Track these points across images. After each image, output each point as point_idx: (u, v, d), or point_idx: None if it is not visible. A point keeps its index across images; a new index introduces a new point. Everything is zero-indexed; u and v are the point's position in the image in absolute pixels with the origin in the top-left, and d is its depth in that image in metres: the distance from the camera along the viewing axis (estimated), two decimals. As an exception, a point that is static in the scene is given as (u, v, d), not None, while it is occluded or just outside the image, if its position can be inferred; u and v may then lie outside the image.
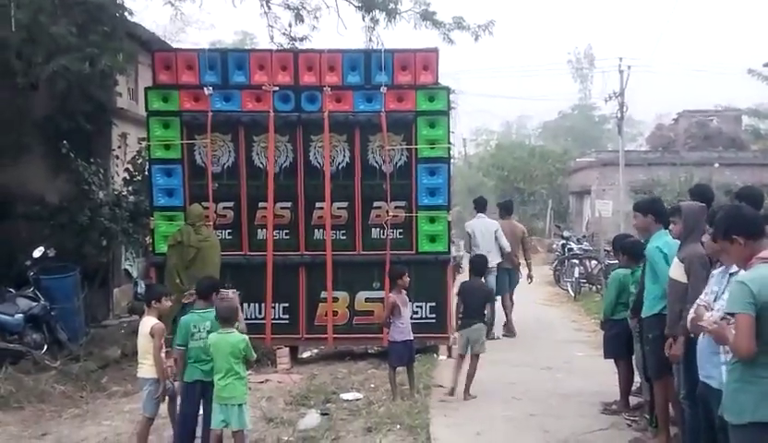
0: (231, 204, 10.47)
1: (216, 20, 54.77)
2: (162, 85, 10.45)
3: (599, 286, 17.11)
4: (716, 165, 28.58)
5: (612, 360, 8.36)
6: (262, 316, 10.28)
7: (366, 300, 10.45)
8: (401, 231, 10.44)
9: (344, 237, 10.47)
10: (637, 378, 8.00)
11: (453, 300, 11.20)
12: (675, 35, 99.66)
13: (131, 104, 15.40)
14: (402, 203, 10.42)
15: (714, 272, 5.02)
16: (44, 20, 9.84)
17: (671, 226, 6.46)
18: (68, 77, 10.28)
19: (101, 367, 10.13)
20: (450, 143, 10.85)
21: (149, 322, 6.81)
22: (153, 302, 6.96)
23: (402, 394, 8.34)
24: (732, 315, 4.28)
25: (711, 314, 4.67)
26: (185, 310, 9.51)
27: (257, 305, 10.27)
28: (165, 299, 7.07)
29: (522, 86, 78.79)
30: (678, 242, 6.15)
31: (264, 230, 10.42)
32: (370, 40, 14.22)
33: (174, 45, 19.90)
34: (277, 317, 10.40)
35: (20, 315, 10.43)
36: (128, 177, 13.68)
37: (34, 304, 10.75)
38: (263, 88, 10.32)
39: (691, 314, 4.93)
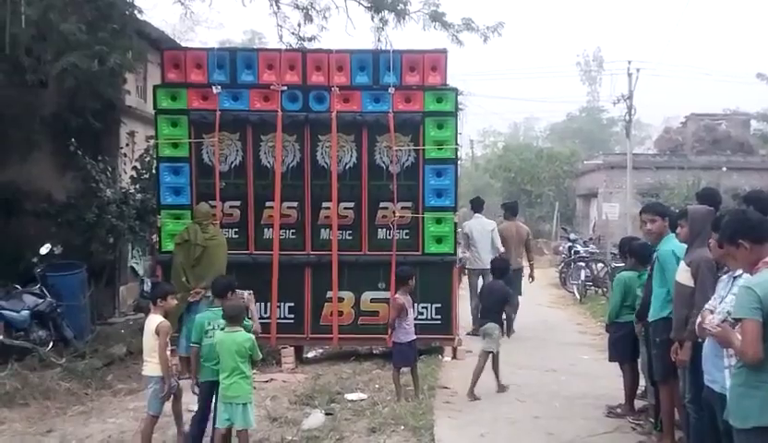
0: (238, 203, 10.49)
1: (225, 19, 54.93)
2: (170, 83, 10.47)
3: (605, 289, 17.09)
4: (724, 169, 28.53)
5: (617, 363, 8.34)
6: (267, 315, 10.28)
7: (372, 300, 10.45)
8: (407, 231, 10.44)
9: (350, 237, 10.47)
10: (642, 382, 7.99)
11: (459, 301, 11.28)
12: (684, 38, 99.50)
13: (140, 102, 15.45)
14: (409, 204, 10.42)
15: (722, 278, 5.00)
16: (54, 17, 9.88)
17: (678, 229, 6.45)
18: (77, 74, 10.30)
19: (106, 365, 10.16)
20: (457, 144, 10.86)
21: (154, 320, 6.82)
22: (159, 300, 6.96)
23: (406, 395, 8.34)
24: (738, 320, 4.27)
25: (712, 317, 4.66)
26: (190, 308, 9.59)
27: (262, 304, 10.26)
28: (171, 297, 7.08)
29: (530, 88, 79.01)
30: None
31: (270, 229, 10.43)
32: (379, 40, 14.23)
33: (183, 44, 19.97)
34: (282, 316, 10.41)
35: (26, 311, 10.47)
36: (136, 175, 13.72)
37: (40, 300, 10.78)
38: (271, 87, 10.34)
39: (699, 319, 4.92)
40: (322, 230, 10.48)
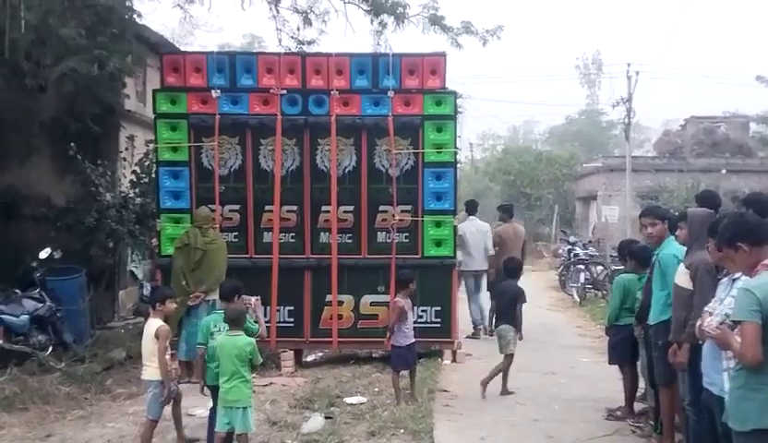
0: (237, 207, 10.49)
1: (224, 23, 54.95)
2: (169, 87, 10.48)
3: (605, 292, 17.07)
4: (724, 172, 28.55)
5: (617, 366, 8.34)
6: (267, 319, 10.23)
7: (371, 304, 10.45)
8: (406, 235, 10.44)
9: (350, 241, 10.47)
10: (641, 384, 7.99)
11: (459, 305, 11.30)
12: (683, 41, 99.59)
13: (139, 107, 15.45)
14: (409, 207, 10.43)
15: (722, 280, 5.00)
16: (54, 22, 9.90)
17: (677, 232, 6.45)
18: (77, 79, 10.32)
19: (105, 369, 10.14)
20: (456, 148, 10.86)
21: (154, 324, 6.82)
22: (158, 304, 6.96)
23: (405, 398, 8.34)
24: (737, 322, 4.28)
25: (711, 319, 4.66)
26: (190, 313, 9.60)
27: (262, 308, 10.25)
28: (170, 301, 7.07)
29: (529, 91, 78.94)
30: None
31: (270, 233, 10.44)
32: (378, 44, 14.24)
33: (183, 48, 19.97)
34: (282, 320, 10.40)
35: (26, 316, 10.45)
36: (135, 179, 13.72)
37: (40, 305, 10.77)
38: (271, 91, 10.34)
39: (698, 321, 4.92)
40: (322, 233, 10.48)
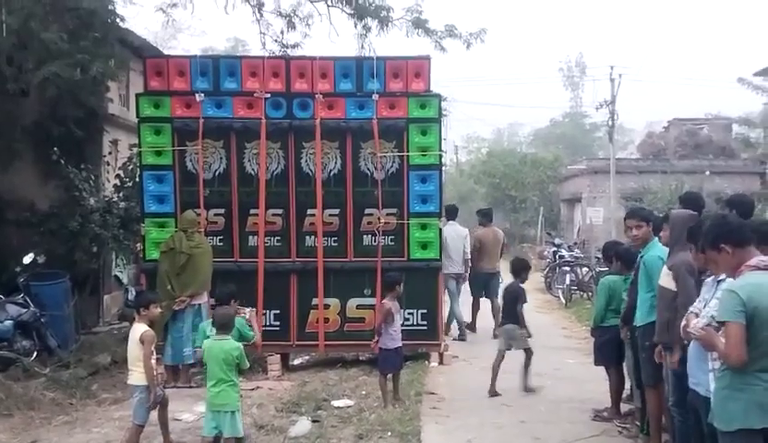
0: (222, 211, 10.46)
1: (208, 27, 54.74)
2: (153, 91, 10.44)
3: (590, 293, 17.15)
4: (707, 173, 28.70)
5: (603, 367, 8.37)
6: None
7: (358, 307, 10.45)
8: (392, 238, 10.44)
9: (336, 244, 10.47)
10: (627, 385, 8.01)
11: (444, 307, 11.33)
12: (666, 44, 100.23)
13: (122, 111, 15.38)
14: (394, 210, 10.43)
15: (706, 281, 5.03)
16: (35, 26, 9.83)
17: (661, 233, 6.49)
18: (59, 83, 10.25)
19: (90, 374, 10.08)
20: (441, 150, 10.87)
21: (139, 329, 6.80)
22: (142, 309, 6.94)
23: (392, 401, 8.33)
24: (722, 323, 4.30)
25: (697, 321, 4.69)
26: (176, 317, 9.57)
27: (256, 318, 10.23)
28: (154, 306, 7.06)
29: (513, 94, 79.24)
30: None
31: (255, 236, 10.41)
32: (362, 47, 14.25)
33: (166, 52, 19.92)
34: (268, 323, 10.37)
35: (10, 321, 10.38)
36: (119, 184, 13.65)
37: (24, 310, 10.70)
38: (255, 94, 10.33)
39: (683, 322, 4.94)
40: (307, 237, 10.47)
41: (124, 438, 7.09)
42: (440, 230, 10.66)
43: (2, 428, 7.98)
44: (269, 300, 10.31)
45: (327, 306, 10.43)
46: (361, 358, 10.88)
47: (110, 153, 14.79)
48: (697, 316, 4.80)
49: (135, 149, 11.93)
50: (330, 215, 10.44)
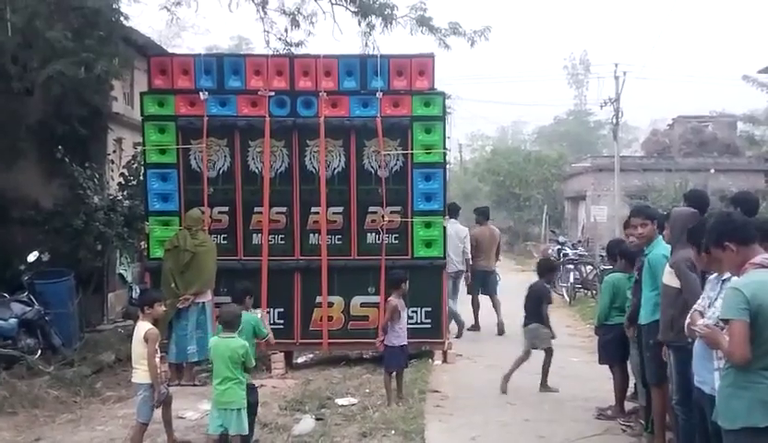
0: (226, 209, 10.46)
1: (212, 25, 54.68)
2: (157, 89, 10.45)
3: (594, 291, 17.11)
4: (712, 171, 28.67)
5: (607, 365, 8.36)
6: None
7: (362, 305, 10.45)
8: (396, 236, 10.44)
9: (340, 242, 10.46)
10: (631, 384, 8.01)
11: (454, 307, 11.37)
12: (670, 41, 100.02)
13: (127, 109, 15.41)
14: (398, 208, 10.42)
15: (710, 278, 5.02)
16: (40, 25, 9.84)
17: (665, 231, 6.48)
18: (64, 81, 10.26)
19: (95, 372, 10.10)
20: (445, 148, 10.85)
21: (143, 327, 6.81)
22: (147, 307, 6.95)
23: (396, 399, 8.33)
24: (726, 321, 4.29)
25: (704, 320, 4.68)
26: (180, 315, 9.58)
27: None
28: (158, 305, 7.08)
29: (517, 92, 79.23)
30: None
31: (259, 235, 10.42)
32: (366, 45, 14.25)
33: (170, 50, 19.95)
34: (272, 321, 10.33)
35: (14, 319, 10.40)
36: (123, 182, 13.67)
37: (28, 308, 10.72)
38: (259, 92, 10.32)
39: (688, 319, 4.94)
40: (311, 235, 10.47)
41: (128, 436, 7.12)
42: (444, 228, 10.65)
43: (6, 426, 8.00)
44: (272, 298, 10.31)
45: (331, 305, 10.43)
46: (365, 356, 10.88)
47: (114, 152, 14.82)
48: (701, 314, 4.80)
49: (139, 148, 11.94)
50: (334, 213, 10.44)
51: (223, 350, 6.46)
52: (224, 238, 10.43)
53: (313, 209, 10.42)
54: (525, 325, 9.35)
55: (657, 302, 6.34)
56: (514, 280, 22.86)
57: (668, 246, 6.43)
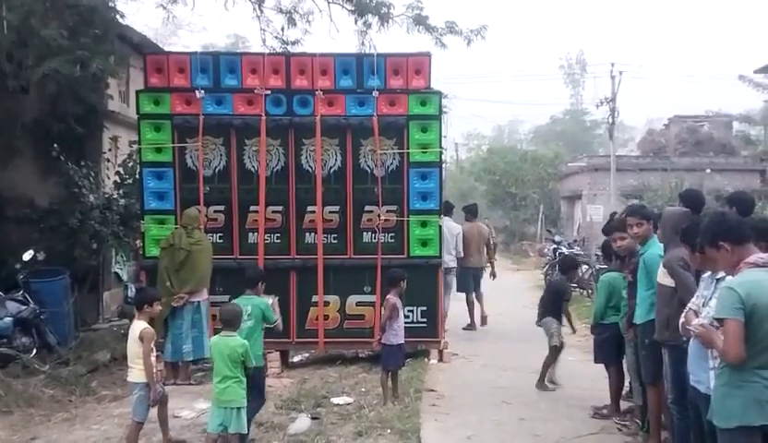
0: (222, 207, 10.46)
1: (208, 23, 54.71)
2: (153, 88, 10.44)
3: (590, 291, 17.13)
4: (707, 171, 28.70)
5: (602, 364, 8.36)
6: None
7: (357, 304, 10.45)
8: (392, 235, 10.44)
9: (336, 241, 10.46)
10: (627, 383, 8.01)
11: (444, 304, 11.36)
12: (666, 41, 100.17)
13: (122, 107, 15.36)
14: (394, 207, 10.42)
15: (704, 276, 5.03)
16: (35, 23, 9.81)
17: (658, 231, 6.49)
18: (59, 79, 10.23)
19: (90, 371, 10.08)
20: (441, 147, 10.86)
21: (139, 326, 6.80)
22: (146, 306, 6.95)
23: (392, 398, 8.33)
24: (721, 320, 4.30)
25: (698, 319, 4.68)
26: (175, 314, 9.57)
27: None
28: (157, 304, 7.08)
29: (513, 91, 79.34)
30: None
31: (255, 233, 10.41)
32: (363, 44, 14.22)
33: (166, 48, 19.88)
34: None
35: (9, 318, 10.37)
36: (119, 180, 13.63)
37: (23, 307, 10.69)
38: (255, 91, 10.32)
39: (682, 318, 4.94)
40: (307, 234, 10.46)
41: (123, 435, 7.11)
42: (440, 227, 10.65)
43: (1, 425, 7.98)
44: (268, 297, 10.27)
45: (327, 304, 10.43)
46: (361, 355, 10.88)
47: (110, 150, 14.78)
48: (696, 313, 4.80)
49: (135, 146, 11.91)
50: (330, 212, 10.44)
51: (223, 348, 6.46)
52: (220, 237, 10.43)
53: (309, 208, 10.42)
54: (539, 319, 9.42)
55: (653, 301, 6.35)
56: (510, 279, 22.96)
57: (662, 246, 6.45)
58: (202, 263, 9.73)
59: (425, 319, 10.45)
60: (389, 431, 7.31)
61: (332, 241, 10.46)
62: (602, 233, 8.56)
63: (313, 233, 10.43)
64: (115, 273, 14.91)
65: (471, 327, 13.76)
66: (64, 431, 7.81)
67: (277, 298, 8.06)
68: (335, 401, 8.48)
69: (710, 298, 4.75)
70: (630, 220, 6.95)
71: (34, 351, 10.47)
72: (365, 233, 10.47)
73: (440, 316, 10.72)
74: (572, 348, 11.96)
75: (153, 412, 6.93)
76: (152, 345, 6.80)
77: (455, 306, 13.42)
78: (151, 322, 7.04)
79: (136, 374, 6.77)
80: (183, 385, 9.38)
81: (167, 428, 7.09)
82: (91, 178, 12.96)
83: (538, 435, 7.37)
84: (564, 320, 9.51)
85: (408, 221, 10.40)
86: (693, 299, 5.00)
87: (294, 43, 14.67)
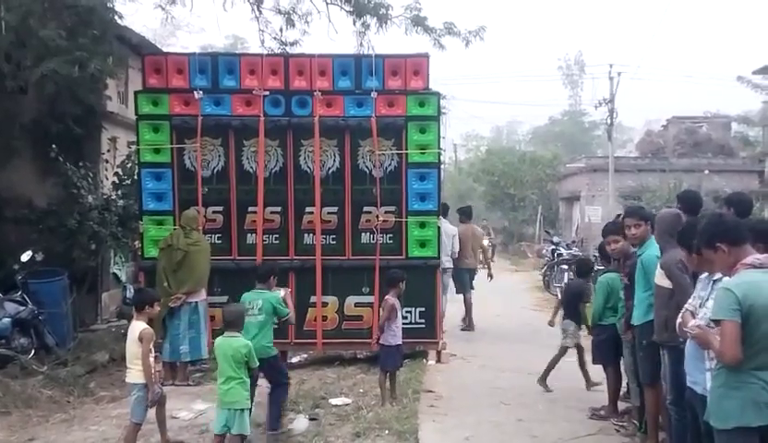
0: (220, 208, 10.45)
1: (206, 24, 54.66)
2: (152, 89, 10.43)
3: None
4: (706, 172, 28.73)
5: (600, 365, 8.37)
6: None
7: (356, 305, 10.44)
8: (390, 236, 10.44)
9: (334, 242, 10.46)
10: (624, 383, 8.02)
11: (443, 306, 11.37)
12: (665, 42, 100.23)
13: (121, 108, 15.36)
14: (392, 208, 10.42)
15: (701, 277, 5.03)
16: (34, 23, 9.82)
17: (654, 233, 6.50)
18: (58, 80, 10.23)
19: (88, 372, 10.08)
20: (440, 148, 10.86)
21: (138, 327, 6.80)
22: (147, 307, 6.95)
23: (390, 399, 8.33)
24: (717, 322, 4.30)
25: (695, 320, 4.69)
26: (173, 314, 9.56)
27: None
28: (157, 304, 7.10)
29: (512, 92, 79.30)
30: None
31: (254, 234, 10.41)
32: (361, 45, 14.24)
33: (165, 49, 19.90)
34: (266, 321, 10.35)
35: (8, 319, 10.36)
36: (118, 181, 13.64)
37: (22, 308, 10.68)
38: (253, 92, 10.31)
39: (679, 319, 4.95)
40: (306, 235, 10.46)
41: (121, 436, 7.11)
42: (439, 228, 10.65)
43: (-1, 426, 7.99)
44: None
45: (325, 304, 10.42)
46: (359, 356, 10.88)
47: (108, 151, 14.78)
48: (693, 313, 4.81)
49: (133, 147, 11.91)
50: (329, 213, 10.44)
51: (226, 349, 6.48)
52: (219, 238, 10.42)
53: (307, 209, 10.41)
54: (562, 320, 9.49)
55: (651, 302, 6.36)
56: (509, 280, 22.96)
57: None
58: (200, 264, 9.73)
59: (423, 320, 10.45)
60: (387, 432, 7.31)
61: (331, 242, 10.46)
62: (602, 235, 8.56)
63: (311, 234, 10.43)
64: (114, 274, 14.90)
65: (469, 327, 13.78)
66: (62, 432, 7.81)
67: (289, 290, 8.12)
68: (333, 401, 8.48)
69: (707, 299, 4.75)
70: (628, 221, 6.95)
71: (32, 351, 10.47)
72: (363, 234, 10.46)
73: (439, 317, 10.71)
74: (570, 349, 11.98)
75: (151, 412, 6.93)
76: (151, 346, 6.80)
77: (453, 307, 13.42)
78: (150, 323, 7.04)
79: (134, 375, 6.77)
80: (181, 386, 9.37)
81: (165, 429, 7.09)
82: (90, 179, 12.96)
83: (536, 436, 7.37)
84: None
85: (406, 221, 10.40)
86: (690, 300, 5.00)
87: (292, 44, 14.70)
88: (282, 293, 7.75)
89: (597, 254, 10.82)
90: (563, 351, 9.23)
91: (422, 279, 10.30)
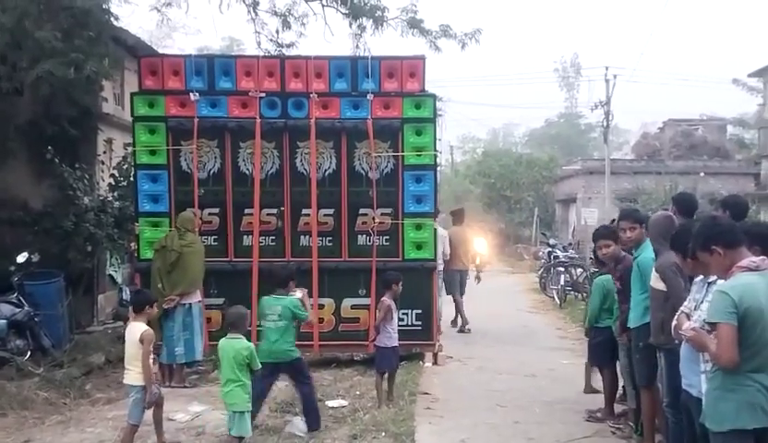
0: (216, 210, 10.45)
1: (203, 26, 54.65)
2: (148, 90, 10.42)
3: (585, 294, 17.14)
4: (701, 174, 28.80)
5: (596, 368, 8.37)
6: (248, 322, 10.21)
7: (352, 307, 10.44)
8: (387, 238, 10.43)
9: (330, 244, 10.45)
10: (621, 386, 8.02)
11: (439, 307, 11.36)
12: (661, 44, 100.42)
13: (117, 110, 15.35)
14: (389, 210, 10.42)
15: (696, 280, 5.04)
16: (29, 25, 9.79)
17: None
18: (53, 82, 10.20)
19: (84, 374, 10.05)
20: (436, 150, 10.86)
21: (138, 328, 6.78)
22: (147, 307, 6.95)
23: (386, 401, 8.33)
24: (713, 324, 4.31)
25: (690, 323, 4.69)
26: (167, 316, 9.54)
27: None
28: (156, 305, 7.09)
29: (508, 94, 79.14)
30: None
31: (250, 236, 10.40)
32: (357, 47, 14.25)
33: (161, 51, 19.88)
34: (262, 323, 10.34)
35: (3, 321, 10.33)
36: (114, 183, 13.62)
37: (18, 310, 10.65)
38: (250, 94, 10.31)
39: (674, 322, 4.95)
40: (302, 237, 10.46)
41: (118, 438, 7.09)
42: (435, 230, 10.65)
43: (-5, 428, 7.96)
44: (263, 300, 10.27)
45: (321, 306, 10.41)
46: (355, 358, 10.86)
47: (104, 152, 14.76)
48: (688, 316, 4.81)
49: (129, 149, 11.90)
50: (325, 215, 10.43)
51: (228, 351, 6.50)
52: (215, 239, 10.41)
53: (304, 211, 10.41)
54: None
55: (647, 305, 6.36)
56: (505, 282, 22.98)
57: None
58: (193, 265, 9.71)
59: (419, 322, 10.45)
60: (383, 434, 7.31)
61: (327, 244, 10.45)
62: (592, 239, 8.58)
63: (308, 236, 10.42)
64: (110, 276, 14.87)
65: (463, 326, 13.83)
66: (58, 434, 7.79)
67: (306, 290, 8.14)
68: (330, 404, 8.47)
69: (701, 301, 4.76)
70: (623, 224, 6.95)
71: (28, 353, 10.43)
72: (359, 236, 10.46)
73: (435, 319, 10.71)
74: (566, 351, 12.02)
75: (148, 414, 6.92)
76: (151, 347, 6.80)
77: (447, 310, 13.42)
78: (149, 324, 7.03)
79: (133, 376, 6.76)
80: (177, 388, 9.36)
81: (162, 431, 7.08)
82: (86, 180, 12.93)
83: (532, 438, 7.38)
84: None
85: (403, 224, 10.40)
86: (685, 302, 5.01)
87: (288, 46, 14.69)
88: (299, 294, 7.77)
89: (593, 257, 10.83)
90: None
91: (418, 281, 10.31)
